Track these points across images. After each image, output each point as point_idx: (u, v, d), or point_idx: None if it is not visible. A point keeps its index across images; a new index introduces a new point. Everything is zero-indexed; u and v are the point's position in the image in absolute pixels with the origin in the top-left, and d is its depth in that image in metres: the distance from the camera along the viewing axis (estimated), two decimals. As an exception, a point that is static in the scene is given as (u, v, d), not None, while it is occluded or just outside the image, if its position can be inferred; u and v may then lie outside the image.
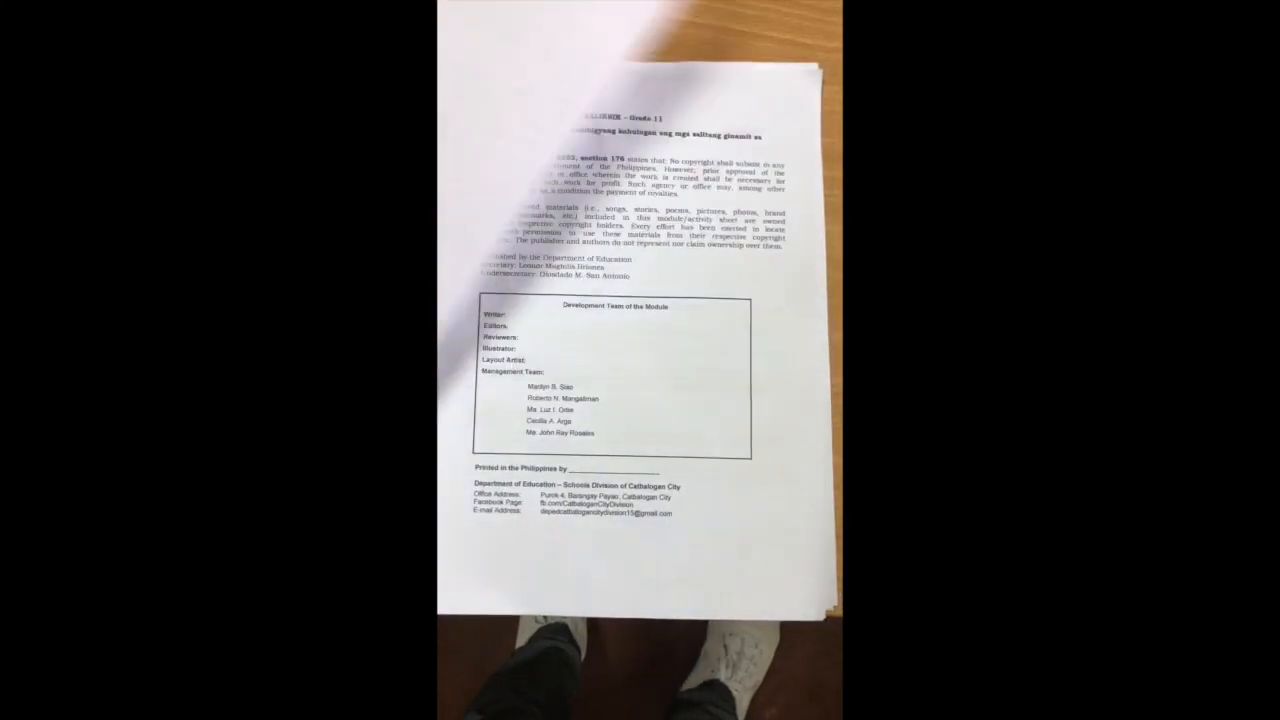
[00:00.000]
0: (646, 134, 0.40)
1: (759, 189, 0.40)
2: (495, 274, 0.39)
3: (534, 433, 0.37)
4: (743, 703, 0.94)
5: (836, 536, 0.37)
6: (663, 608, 0.36)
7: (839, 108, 0.40)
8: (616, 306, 0.38)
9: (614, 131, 0.40)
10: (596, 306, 0.38)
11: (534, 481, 0.37)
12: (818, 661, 1.01)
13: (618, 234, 0.39)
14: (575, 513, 0.37)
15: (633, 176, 0.39)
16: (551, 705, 0.77)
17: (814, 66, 0.40)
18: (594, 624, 1.00)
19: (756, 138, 0.40)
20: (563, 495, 0.37)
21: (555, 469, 0.37)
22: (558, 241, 0.39)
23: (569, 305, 0.38)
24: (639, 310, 0.38)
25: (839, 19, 0.41)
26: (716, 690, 0.92)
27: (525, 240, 0.39)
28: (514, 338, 0.38)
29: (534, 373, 0.38)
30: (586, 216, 0.39)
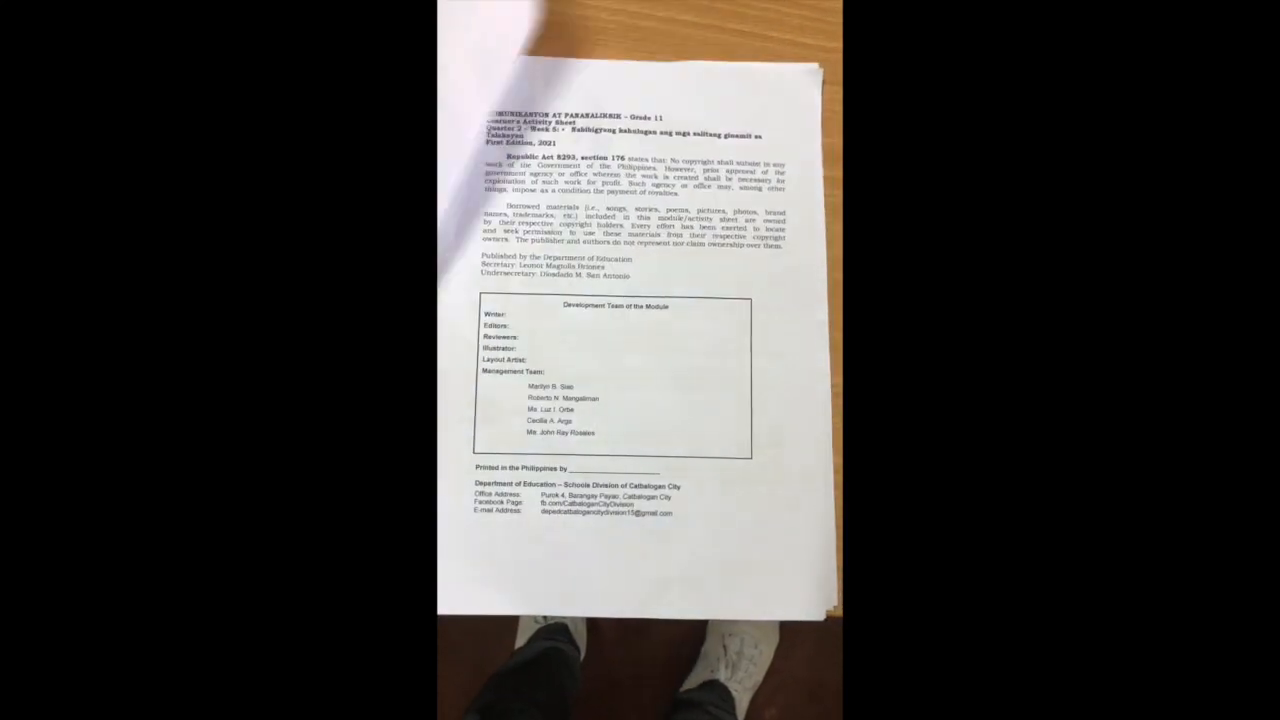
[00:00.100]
0: (647, 133, 0.40)
1: (759, 188, 0.40)
2: (495, 274, 0.39)
3: (534, 432, 0.37)
4: (742, 703, 0.94)
5: (837, 536, 0.37)
6: (663, 608, 0.36)
7: (839, 108, 0.40)
8: (617, 306, 0.38)
9: (614, 131, 0.40)
10: (597, 306, 0.38)
11: (534, 481, 0.37)
12: (817, 661, 1.01)
13: (618, 233, 0.39)
14: (576, 513, 0.37)
15: (633, 176, 0.39)
16: (551, 706, 0.77)
17: (814, 66, 0.40)
18: (594, 624, 1.00)
19: (757, 137, 0.40)
20: (563, 495, 0.37)
21: (556, 469, 0.37)
22: (558, 241, 0.39)
23: (569, 305, 0.38)
24: (639, 310, 0.38)
25: (839, 19, 0.41)
26: (716, 690, 0.92)
27: (525, 240, 0.39)
28: (514, 337, 0.38)
29: (534, 372, 0.38)
30: (587, 216, 0.39)
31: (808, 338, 0.38)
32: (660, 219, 0.39)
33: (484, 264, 0.39)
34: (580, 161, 0.40)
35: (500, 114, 0.40)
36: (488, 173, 0.39)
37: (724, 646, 0.95)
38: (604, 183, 0.39)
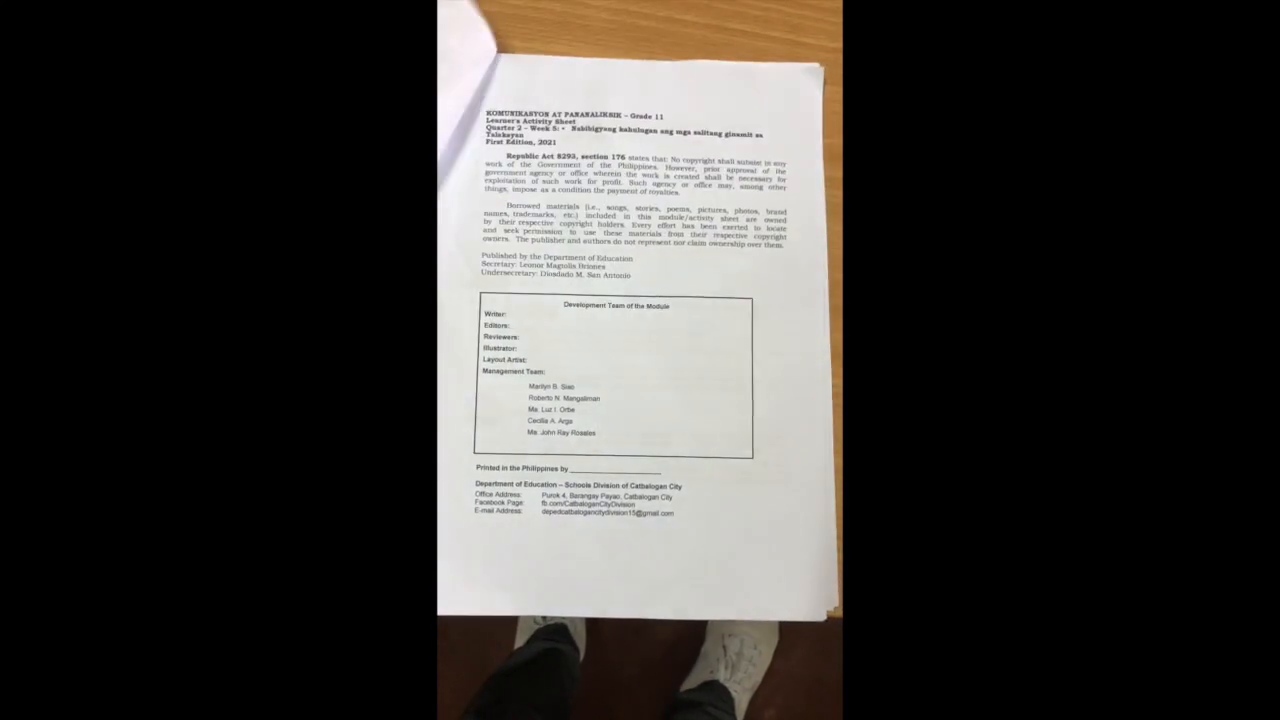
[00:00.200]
0: (647, 132, 0.40)
1: (760, 187, 0.39)
2: (496, 273, 0.38)
3: (535, 433, 0.37)
4: (741, 703, 0.94)
5: (837, 537, 0.37)
6: (664, 608, 0.36)
7: (839, 108, 0.40)
8: (618, 306, 0.38)
9: (615, 130, 0.40)
10: (598, 306, 0.38)
11: (535, 482, 0.37)
12: (816, 662, 1.01)
13: (619, 233, 0.39)
14: (577, 513, 0.37)
15: (634, 175, 0.39)
16: (550, 706, 0.77)
17: (816, 65, 0.40)
18: (593, 625, 1.00)
19: (758, 136, 0.40)
20: (564, 495, 0.37)
21: (556, 469, 0.37)
22: (558, 241, 0.39)
23: (570, 305, 0.38)
24: (640, 309, 0.38)
25: (839, 19, 0.41)
26: (715, 691, 0.92)
27: (526, 239, 0.39)
28: (515, 337, 0.38)
29: (535, 372, 0.38)
30: (587, 215, 0.39)
31: (809, 337, 0.38)
32: (661, 218, 0.39)
33: (484, 264, 0.39)
34: (581, 161, 0.39)
35: (500, 113, 0.40)
36: (488, 172, 0.39)
37: (723, 647, 0.95)
38: (604, 182, 0.39)
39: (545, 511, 0.37)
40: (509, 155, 0.40)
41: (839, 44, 0.40)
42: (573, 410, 0.37)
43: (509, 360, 0.38)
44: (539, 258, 0.39)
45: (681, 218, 0.39)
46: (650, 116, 0.40)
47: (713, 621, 0.97)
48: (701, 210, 0.39)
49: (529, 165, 0.39)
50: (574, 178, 0.39)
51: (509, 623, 0.97)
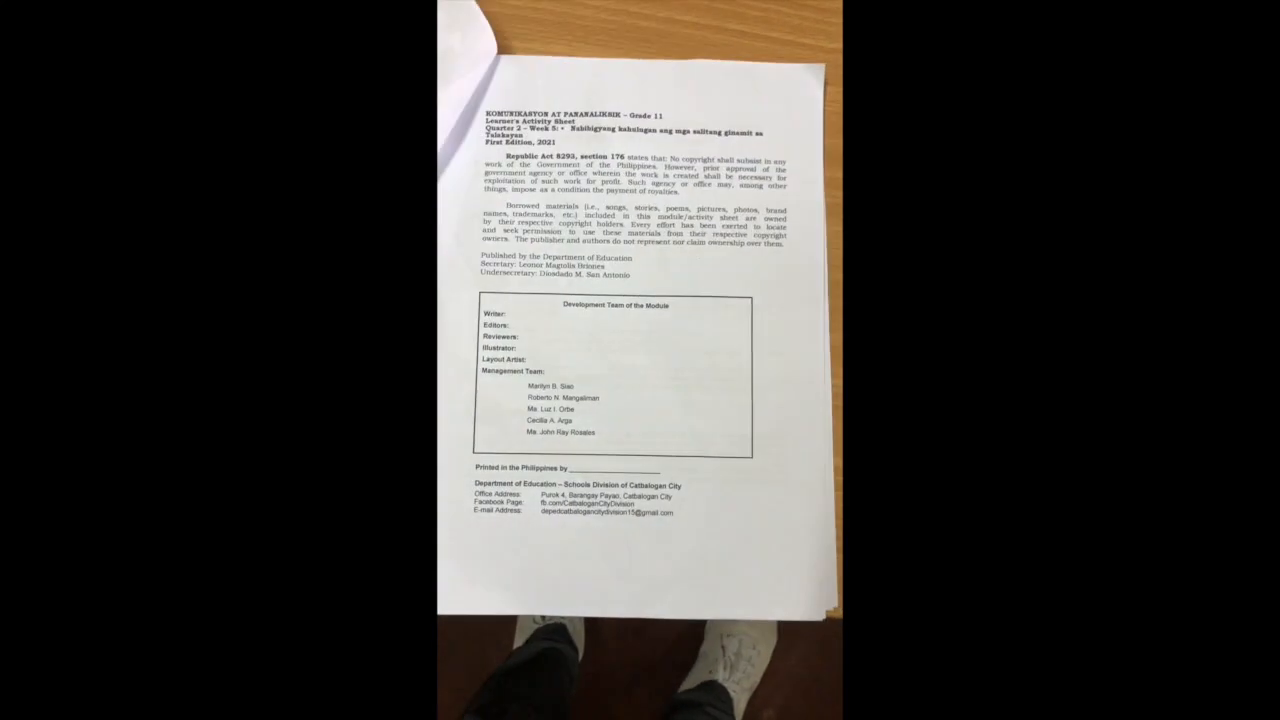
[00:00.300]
0: (647, 131, 0.40)
1: (760, 186, 0.39)
2: (495, 273, 0.38)
3: (534, 432, 0.37)
4: (740, 703, 0.94)
5: (837, 537, 0.37)
6: (663, 608, 0.36)
7: (839, 108, 0.40)
8: (617, 305, 0.38)
9: (614, 129, 0.40)
10: (597, 305, 0.38)
11: (534, 481, 0.37)
12: (815, 662, 1.01)
13: (618, 232, 0.39)
14: (576, 512, 0.37)
15: (633, 174, 0.39)
16: (549, 706, 0.77)
17: (816, 65, 0.40)
18: (592, 624, 1.00)
19: (758, 134, 0.40)
20: (563, 495, 0.37)
21: (556, 468, 0.37)
22: (558, 240, 0.39)
23: (569, 304, 0.38)
24: (639, 309, 0.38)
25: (839, 20, 0.41)
26: (714, 691, 0.92)
27: (525, 239, 0.39)
28: (514, 337, 0.38)
29: (534, 372, 0.38)
30: (587, 215, 0.39)
31: (809, 336, 0.38)
32: (660, 217, 0.39)
33: (484, 263, 0.38)
34: (580, 160, 0.39)
35: (499, 113, 0.40)
36: (487, 172, 0.39)
37: (722, 647, 0.95)
38: (604, 181, 0.39)
39: (544, 511, 0.37)
40: (508, 155, 0.40)
41: (839, 45, 0.40)
42: (572, 410, 0.37)
43: (508, 360, 0.38)
44: (538, 257, 0.39)
45: (681, 217, 0.39)
46: (649, 116, 0.40)
47: (711, 621, 0.97)
48: (701, 209, 0.39)
49: (528, 165, 0.39)
50: (573, 177, 0.39)
51: (508, 622, 0.97)
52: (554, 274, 0.38)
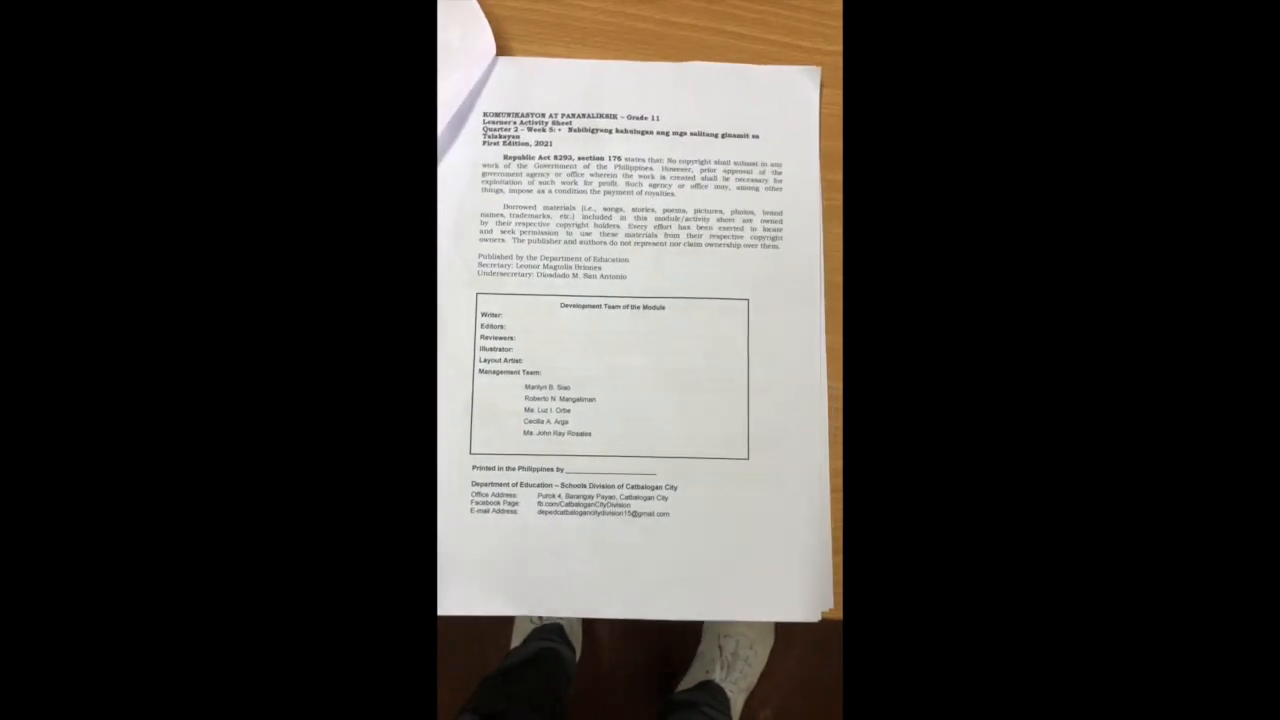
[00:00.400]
0: (644, 133, 0.40)
1: (757, 188, 0.40)
2: (492, 274, 0.39)
3: (531, 433, 0.37)
4: (737, 703, 0.94)
5: (833, 538, 0.37)
6: (660, 609, 0.36)
7: (838, 110, 0.40)
8: (614, 307, 0.38)
9: (611, 131, 0.40)
10: (594, 307, 0.38)
11: (531, 482, 0.37)
12: (812, 662, 1.01)
13: (615, 234, 0.39)
14: (572, 513, 0.37)
15: (630, 176, 0.39)
16: (546, 706, 0.77)
17: (813, 67, 0.40)
18: (589, 625, 1.00)
19: (755, 137, 0.40)
20: (560, 496, 0.37)
21: (552, 470, 0.37)
22: (554, 242, 0.39)
23: (566, 305, 0.38)
24: (636, 310, 0.38)
25: (838, 22, 0.41)
26: (711, 691, 0.92)
27: (522, 240, 0.39)
28: (511, 338, 0.38)
29: (531, 373, 0.38)
30: (583, 216, 0.39)
31: (805, 338, 0.38)
32: (657, 219, 0.39)
33: (480, 265, 0.39)
34: (577, 162, 0.39)
35: (496, 114, 0.40)
36: (484, 173, 0.39)
37: (719, 647, 0.95)
38: (600, 183, 0.39)
39: (541, 512, 0.37)
40: (505, 156, 0.40)
41: (837, 47, 0.41)
42: (569, 411, 0.38)
43: (505, 361, 0.38)
44: (535, 259, 0.39)
45: (678, 219, 0.39)
46: (646, 118, 0.40)
47: (708, 621, 0.97)
48: (698, 211, 0.39)
49: (525, 166, 0.39)
50: (570, 179, 0.39)
51: (505, 623, 0.97)
52: (551, 275, 0.38)
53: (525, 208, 0.39)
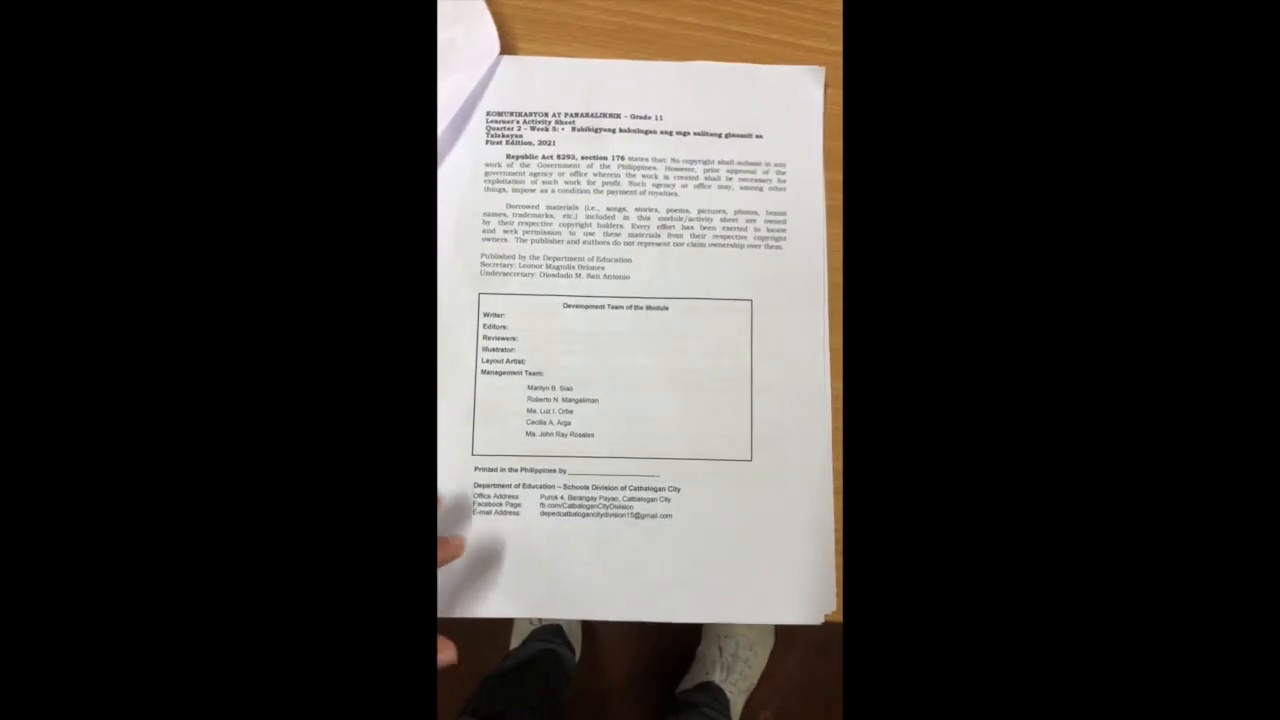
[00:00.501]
0: (647, 133, 0.40)
1: (760, 189, 0.39)
2: (495, 274, 0.38)
3: (534, 434, 0.37)
4: (737, 705, 0.94)
5: (836, 541, 0.37)
6: (662, 611, 0.36)
7: (839, 110, 0.40)
8: (617, 307, 0.38)
9: (614, 131, 0.40)
10: (597, 307, 0.38)
11: (533, 484, 0.37)
12: (812, 664, 1.01)
13: (618, 234, 0.39)
14: (575, 515, 0.37)
15: (633, 176, 0.39)
16: (545, 707, 0.77)
17: (817, 67, 0.40)
18: (588, 626, 1.00)
19: (758, 137, 0.40)
20: (562, 497, 0.37)
21: (555, 471, 0.37)
22: (558, 242, 0.39)
23: (569, 306, 0.38)
24: (639, 311, 0.38)
25: (839, 22, 0.41)
26: (711, 692, 0.92)
27: (525, 240, 0.39)
28: (513, 339, 0.38)
29: (534, 374, 0.38)
30: (587, 216, 0.39)
31: (808, 339, 0.38)
32: (660, 219, 0.39)
33: (483, 264, 0.38)
34: (580, 161, 0.39)
35: (500, 113, 0.40)
36: (487, 173, 0.39)
37: (719, 648, 0.95)
38: (604, 183, 0.39)
39: (543, 514, 0.37)
40: (508, 156, 0.39)
41: (839, 47, 0.40)
42: (571, 412, 0.37)
43: (507, 361, 0.38)
44: (538, 258, 0.38)
45: (681, 219, 0.39)
46: (650, 117, 0.40)
47: (708, 622, 0.97)
48: (701, 211, 0.39)
49: (528, 166, 0.39)
50: (573, 178, 0.39)
51: (505, 624, 0.96)
52: (554, 275, 0.38)
53: (528, 207, 0.39)
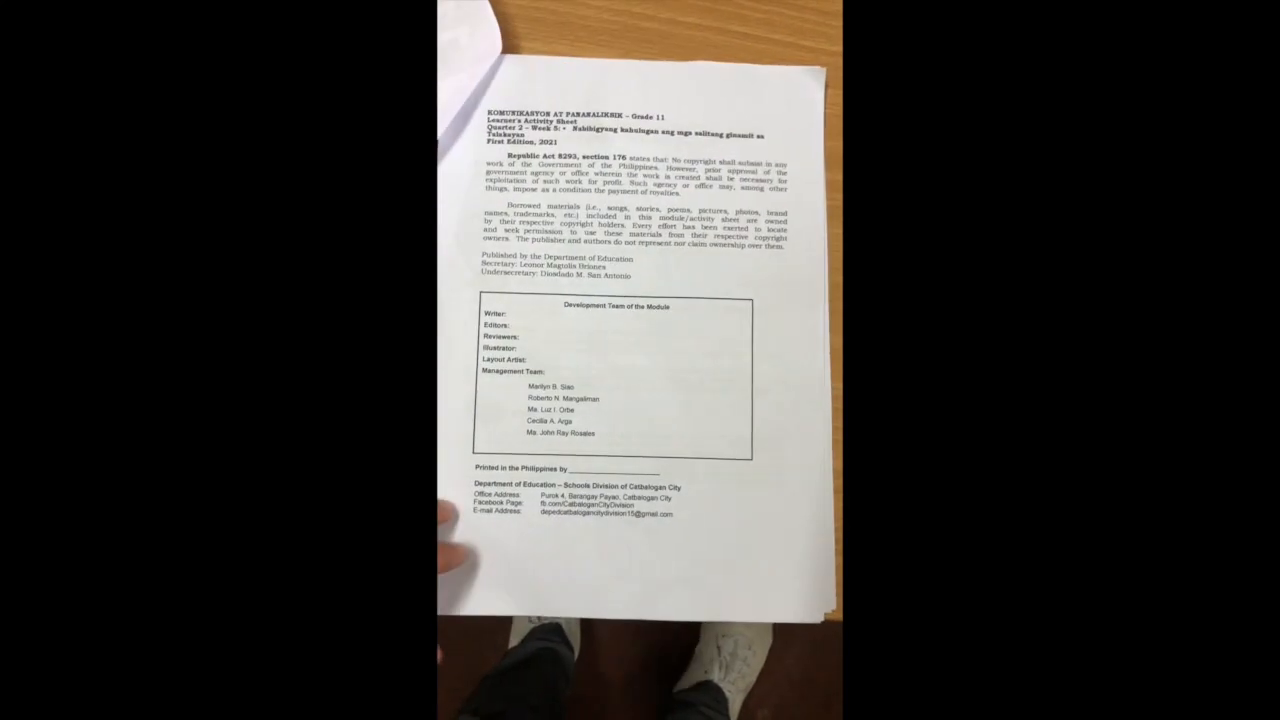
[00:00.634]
0: (648, 133, 0.40)
1: (761, 189, 0.39)
2: (496, 273, 0.38)
3: (534, 433, 0.37)
4: (735, 703, 0.94)
5: (836, 540, 0.37)
6: (663, 609, 0.36)
7: (839, 111, 0.40)
8: (618, 306, 0.38)
9: (615, 130, 0.40)
10: (598, 306, 0.38)
11: (534, 482, 0.37)
12: (810, 663, 1.01)
13: (619, 233, 0.39)
14: (575, 513, 0.37)
15: (634, 175, 0.39)
16: (545, 706, 0.77)
17: (818, 68, 0.40)
18: (587, 624, 1.00)
19: (759, 137, 0.40)
20: (563, 496, 0.37)
21: (556, 469, 0.37)
22: (559, 241, 0.39)
23: (570, 305, 0.38)
24: (640, 310, 0.38)
25: (840, 22, 0.41)
26: (709, 691, 0.92)
27: (526, 239, 0.39)
28: (515, 337, 0.38)
29: (534, 372, 0.38)
30: (588, 215, 0.39)
31: (809, 339, 0.38)
32: (661, 219, 0.39)
33: (484, 263, 0.38)
34: (581, 161, 0.39)
35: (501, 113, 0.40)
36: (488, 172, 0.39)
37: (718, 647, 0.95)
38: (605, 182, 0.39)
39: (544, 512, 0.37)
40: (510, 155, 0.39)
41: (839, 47, 0.41)
42: (572, 410, 0.37)
43: (508, 360, 0.38)
44: (539, 257, 0.39)
45: (682, 218, 0.39)
46: (651, 117, 0.40)
47: (707, 621, 0.97)
48: (702, 211, 0.39)
49: (530, 165, 0.39)
50: (575, 178, 0.39)
51: (504, 622, 0.96)
52: (555, 274, 0.38)
53: (529, 206, 0.39)
